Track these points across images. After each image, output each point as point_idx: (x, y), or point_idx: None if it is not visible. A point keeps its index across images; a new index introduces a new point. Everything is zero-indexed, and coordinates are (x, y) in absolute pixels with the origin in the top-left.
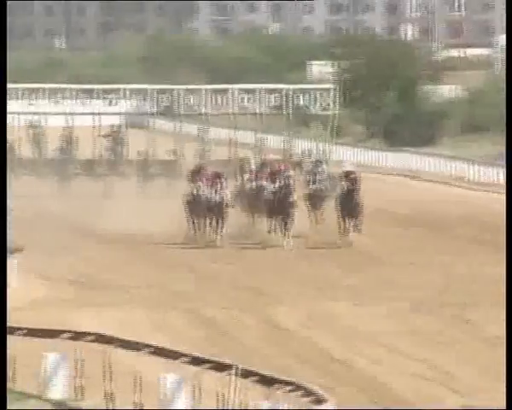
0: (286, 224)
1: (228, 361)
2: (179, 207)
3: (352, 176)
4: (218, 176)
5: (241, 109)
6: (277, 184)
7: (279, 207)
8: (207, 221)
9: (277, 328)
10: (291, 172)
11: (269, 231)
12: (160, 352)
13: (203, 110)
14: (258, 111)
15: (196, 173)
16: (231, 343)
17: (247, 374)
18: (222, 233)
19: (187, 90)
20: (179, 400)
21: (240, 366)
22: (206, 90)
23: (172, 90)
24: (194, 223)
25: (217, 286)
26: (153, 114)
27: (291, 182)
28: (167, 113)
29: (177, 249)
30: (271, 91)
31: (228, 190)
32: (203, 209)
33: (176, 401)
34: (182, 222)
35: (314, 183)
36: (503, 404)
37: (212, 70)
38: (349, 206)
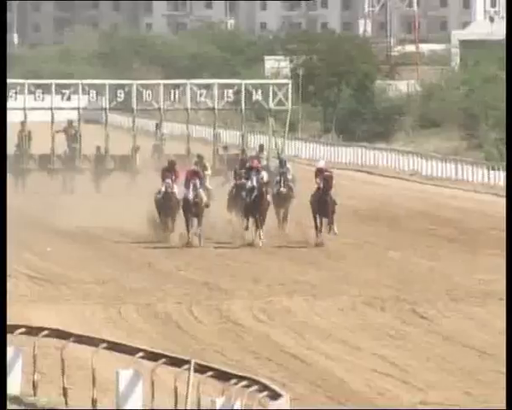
0: (260, 222)
1: (184, 356)
2: (137, 204)
3: (326, 174)
4: (195, 174)
5: (197, 104)
6: (253, 182)
7: (254, 206)
8: (188, 221)
9: (233, 323)
10: (263, 171)
11: (246, 229)
12: (116, 347)
13: (159, 105)
14: (214, 106)
15: (168, 171)
16: (186, 339)
17: (203, 369)
18: (199, 233)
19: (143, 85)
20: (136, 395)
21: (196, 362)
22: (162, 85)
23: (129, 85)
24: (165, 222)
25: (173, 282)
26: (109, 109)
27: (265, 180)
28: (123, 108)
29: (143, 248)
30: (227, 86)
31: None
32: (176, 208)
33: (132, 396)
34: (142, 218)
35: (280, 182)
36: (459, 399)
37: (168, 65)
38: (322, 204)
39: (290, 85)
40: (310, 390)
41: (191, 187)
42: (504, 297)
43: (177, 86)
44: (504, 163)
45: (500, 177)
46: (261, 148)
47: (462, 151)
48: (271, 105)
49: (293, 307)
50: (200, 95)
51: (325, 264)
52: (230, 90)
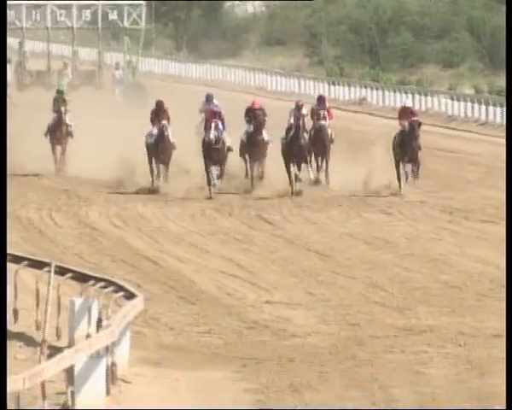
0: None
1: (45, 259)
2: None
3: (413, 119)
4: (215, 113)
5: (56, 24)
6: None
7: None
8: (208, 169)
9: (90, 227)
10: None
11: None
12: None
13: (21, 25)
14: (72, 25)
15: (158, 112)
16: (46, 242)
17: (62, 271)
18: (218, 182)
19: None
20: None
21: (56, 264)
22: (24, 5)
23: None
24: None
25: (35, 189)
26: None
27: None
28: None
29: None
30: (85, 7)
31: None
32: (171, 154)
33: None
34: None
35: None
36: (301, 298)
37: None
38: (408, 150)
39: (144, 6)
40: (163, 291)
41: (212, 129)
42: (344, 204)
43: (38, 7)
44: (344, 79)
45: (339, 91)
46: (117, 66)
47: (304, 68)
48: (126, 24)
49: (147, 213)
50: (60, 15)
51: (175, 178)
52: (88, 11)
